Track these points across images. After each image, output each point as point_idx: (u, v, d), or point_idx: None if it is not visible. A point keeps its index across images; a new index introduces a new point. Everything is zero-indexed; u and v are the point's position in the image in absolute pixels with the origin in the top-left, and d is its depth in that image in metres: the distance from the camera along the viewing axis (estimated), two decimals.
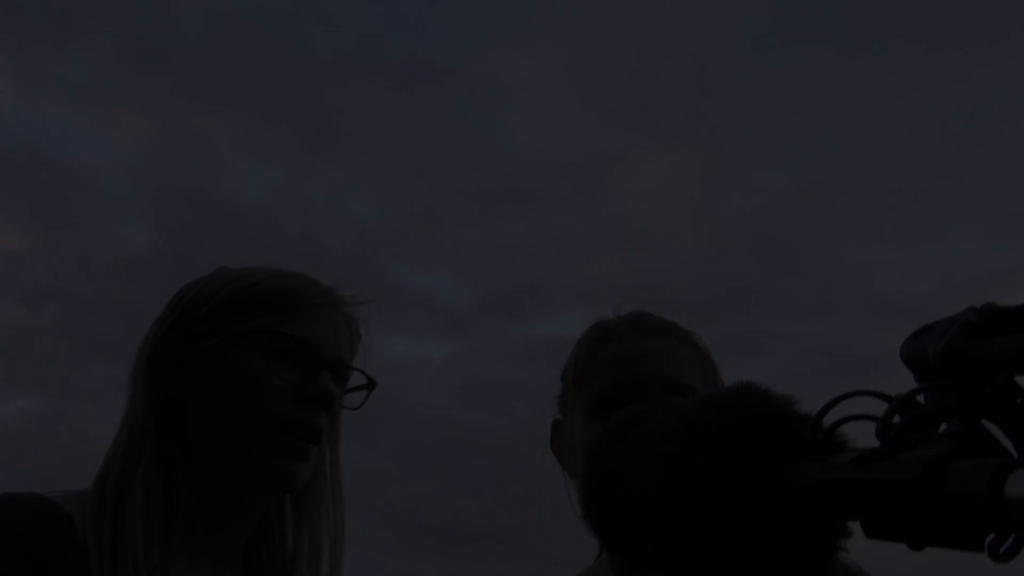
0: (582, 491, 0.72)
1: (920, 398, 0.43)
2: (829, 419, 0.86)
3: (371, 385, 0.96)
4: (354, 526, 0.97)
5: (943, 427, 0.41)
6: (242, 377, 0.84)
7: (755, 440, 0.50)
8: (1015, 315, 0.44)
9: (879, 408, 0.44)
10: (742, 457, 0.49)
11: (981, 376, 0.41)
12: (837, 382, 0.51)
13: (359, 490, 1.00)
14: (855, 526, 0.52)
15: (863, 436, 0.46)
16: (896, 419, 0.41)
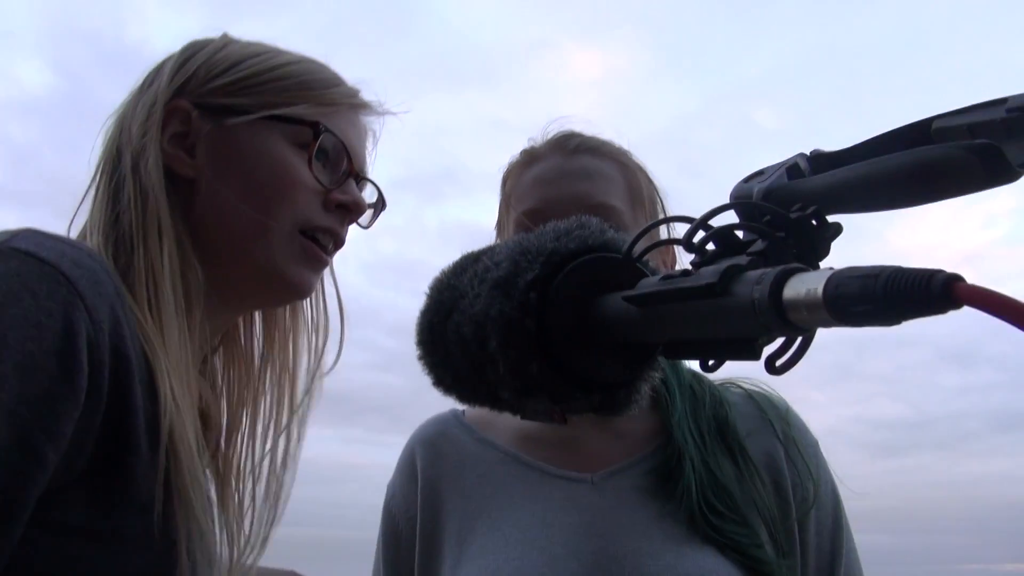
0: (418, 326, 0.71)
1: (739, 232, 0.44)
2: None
3: (382, 204, 0.87)
4: None
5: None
6: (272, 167, 0.74)
7: (580, 267, 0.50)
8: (836, 158, 0.46)
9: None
10: (564, 281, 0.50)
11: (793, 208, 0.42)
12: None
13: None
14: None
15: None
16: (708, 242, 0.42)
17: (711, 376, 0.98)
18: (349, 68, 0.84)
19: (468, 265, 0.65)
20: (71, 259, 0.56)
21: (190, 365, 0.67)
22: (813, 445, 0.91)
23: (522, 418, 0.71)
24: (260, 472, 0.82)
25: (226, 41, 0.81)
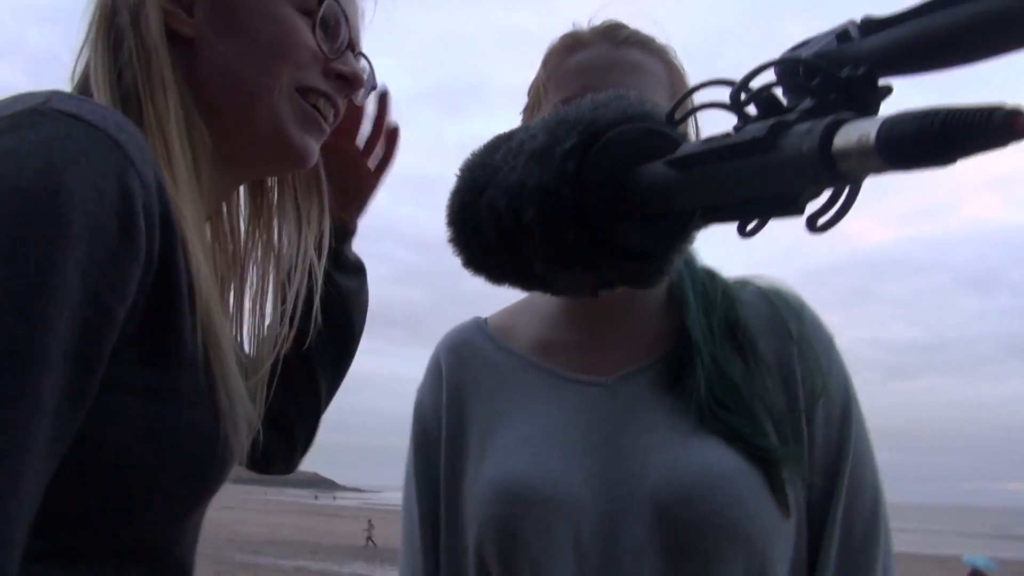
0: (449, 206, 0.71)
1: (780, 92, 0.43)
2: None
3: (374, 81, 0.86)
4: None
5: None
6: (276, 26, 0.73)
7: (618, 136, 0.50)
8: (888, 22, 0.44)
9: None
10: (602, 150, 0.49)
11: (843, 68, 0.41)
12: None
13: None
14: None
15: None
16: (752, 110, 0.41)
17: (727, 274, 0.99)
18: None
19: (501, 143, 0.65)
20: (114, 123, 0.56)
21: (201, 228, 0.67)
22: (827, 340, 0.91)
23: (552, 293, 0.72)
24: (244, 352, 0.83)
25: None
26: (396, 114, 0.96)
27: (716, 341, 0.87)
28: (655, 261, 0.51)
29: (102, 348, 0.53)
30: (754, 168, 0.37)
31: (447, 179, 0.71)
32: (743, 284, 0.96)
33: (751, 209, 0.40)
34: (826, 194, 0.37)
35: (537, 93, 0.95)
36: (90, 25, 0.72)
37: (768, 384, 0.85)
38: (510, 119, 1.00)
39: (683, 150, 0.42)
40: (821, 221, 0.38)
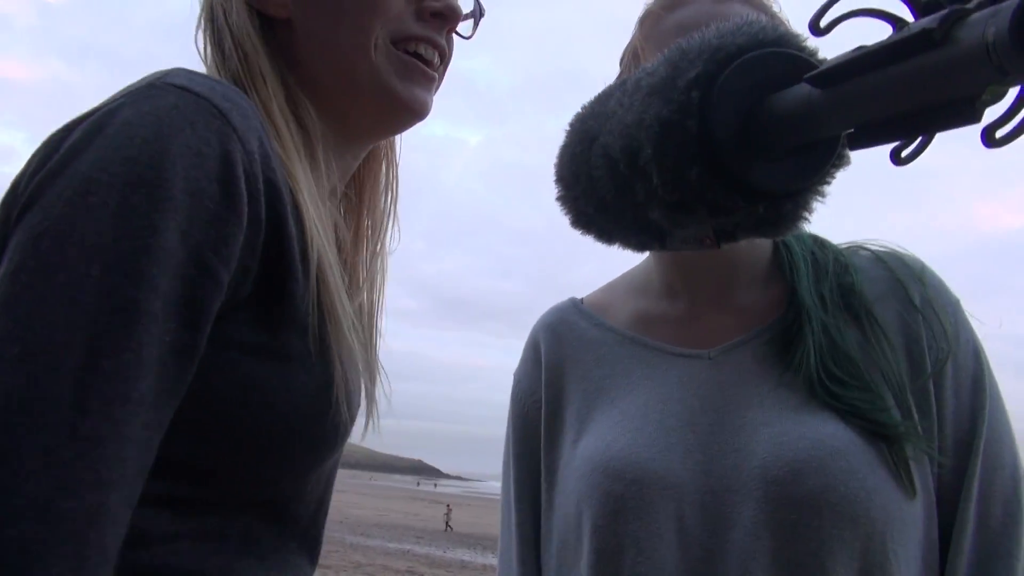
0: (558, 162, 0.68)
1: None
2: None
3: (480, 11, 0.84)
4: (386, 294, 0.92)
5: None
6: None
7: (750, 62, 0.45)
8: None
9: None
10: (732, 77, 0.45)
11: None
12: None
13: (391, 263, 0.94)
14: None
15: None
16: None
17: (836, 241, 0.92)
18: None
19: (614, 90, 0.61)
20: (220, 93, 0.58)
21: (318, 199, 0.68)
22: (953, 304, 0.83)
23: (667, 248, 0.67)
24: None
25: None
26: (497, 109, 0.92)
27: (828, 310, 0.81)
28: (791, 202, 0.46)
29: (205, 305, 0.55)
30: (922, 69, 0.32)
31: (547, 171, 0.69)
32: (856, 249, 0.89)
33: (914, 124, 0.34)
34: (1009, 98, 0.32)
35: (634, 56, 0.90)
36: (197, 28, 0.76)
37: (887, 353, 0.78)
38: None
39: (829, 63, 0.37)
40: (1001, 133, 0.32)
